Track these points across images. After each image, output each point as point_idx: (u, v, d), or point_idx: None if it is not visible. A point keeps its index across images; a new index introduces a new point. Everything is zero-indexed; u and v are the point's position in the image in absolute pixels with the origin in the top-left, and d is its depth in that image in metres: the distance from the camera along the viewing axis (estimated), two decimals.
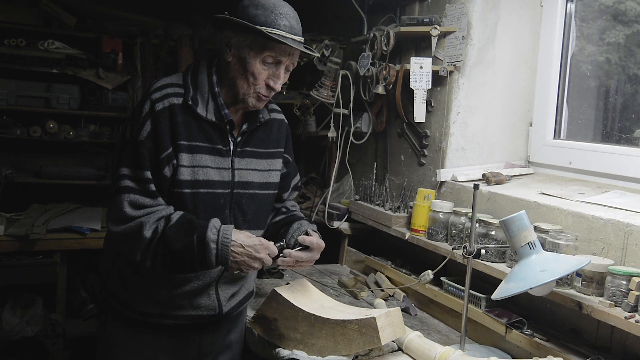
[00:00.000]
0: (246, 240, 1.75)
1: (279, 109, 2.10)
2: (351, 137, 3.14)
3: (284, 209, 2.21)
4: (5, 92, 3.88)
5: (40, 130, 3.99)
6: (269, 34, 1.72)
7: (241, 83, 1.80)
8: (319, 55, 1.93)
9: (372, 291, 2.67)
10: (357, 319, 1.81)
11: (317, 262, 3.11)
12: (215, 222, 1.77)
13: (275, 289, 2.00)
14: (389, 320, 1.83)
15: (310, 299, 2.00)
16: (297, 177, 2.26)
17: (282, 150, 2.04)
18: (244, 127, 1.92)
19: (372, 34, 2.96)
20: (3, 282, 3.48)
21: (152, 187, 1.78)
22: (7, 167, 3.87)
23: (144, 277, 1.89)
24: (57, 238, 3.51)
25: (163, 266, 1.78)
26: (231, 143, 1.88)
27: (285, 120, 2.10)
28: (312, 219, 3.31)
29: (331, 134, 3.25)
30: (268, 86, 1.80)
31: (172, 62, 4.15)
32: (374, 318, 1.79)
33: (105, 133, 4.15)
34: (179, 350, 2.03)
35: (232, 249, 1.73)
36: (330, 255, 3.29)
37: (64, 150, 4.28)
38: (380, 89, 2.87)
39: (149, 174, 1.77)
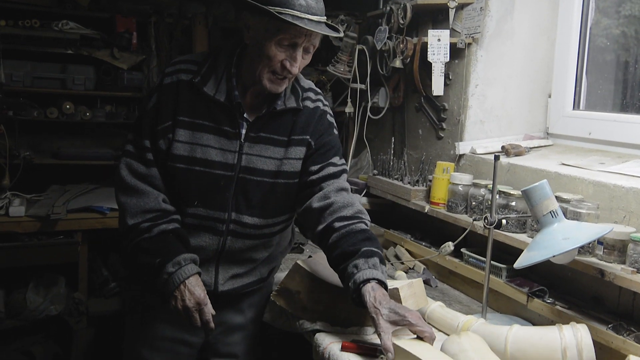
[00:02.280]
0: (192, 293, 1.75)
1: (317, 96, 1.98)
2: (368, 112, 3.14)
3: (337, 221, 1.87)
4: (21, 73, 3.90)
5: (56, 112, 4.01)
6: (279, 16, 1.65)
7: (257, 65, 1.76)
8: (341, 35, 1.85)
9: (392, 264, 2.68)
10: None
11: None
12: (184, 257, 1.78)
13: (298, 261, 2.02)
14: (411, 291, 1.85)
15: (332, 271, 2.01)
16: (337, 159, 1.97)
17: (308, 137, 1.91)
18: (264, 111, 1.87)
19: (388, 8, 2.95)
20: (26, 263, 3.53)
21: (149, 155, 1.83)
22: (25, 149, 3.90)
23: None
24: (77, 218, 3.55)
25: (130, 258, 1.86)
26: (243, 126, 1.85)
27: (322, 107, 1.97)
28: None
29: (348, 109, 3.25)
30: (284, 67, 1.73)
31: (186, 40, 4.15)
32: (397, 289, 1.81)
33: (122, 113, 4.17)
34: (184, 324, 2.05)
35: (178, 289, 1.75)
36: None
37: (81, 131, 4.31)
38: (397, 63, 2.86)
39: (147, 143, 1.83)
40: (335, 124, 2.03)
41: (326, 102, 2.02)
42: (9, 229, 3.44)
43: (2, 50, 3.84)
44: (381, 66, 3.05)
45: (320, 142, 1.94)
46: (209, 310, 1.77)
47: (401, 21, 2.84)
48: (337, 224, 1.84)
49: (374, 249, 1.77)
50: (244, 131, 1.85)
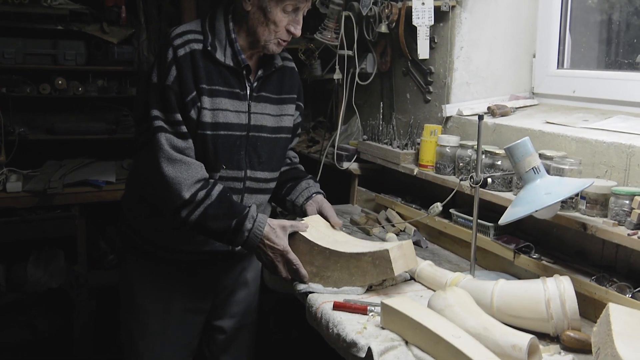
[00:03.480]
0: (274, 240, 1.89)
1: (290, 57, 2.18)
2: (357, 79, 3.17)
3: (287, 160, 2.32)
4: (12, 50, 3.92)
5: (49, 88, 4.05)
6: None
7: (262, 30, 1.88)
8: None
9: (383, 227, 2.74)
10: (370, 252, 1.89)
11: (331, 202, 3.21)
12: (252, 210, 1.90)
13: None
14: (401, 252, 1.90)
15: (324, 234, 2.07)
16: (301, 124, 2.34)
17: (295, 96, 2.14)
18: (260, 72, 2.01)
19: None
20: (25, 237, 3.60)
21: (183, 128, 1.89)
22: (20, 125, 3.94)
23: (162, 215, 1.99)
24: (74, 192, 3.60)
25: (193, 229, 1.91)
26: (248, 88, 1.97)
27: (295, 68, 2.19)
28: (322, 162, 3.37)
29: (336, 76, 3.27)
30: (288, 32, 1.90)
31: (175, 12, 4.16)
32: (387, 250, 1.86)
33: (114, 87, 4.20)
34: (195, 285, 2.13)
35: (260, 242, 1.87)
36: (341, 196, 3.37)
37: (74, 107, 4.34)
38: (383, 28, 2.88)
39: (179, 116, 1.88)
40: None
41: (291, 57, 2.22)
42: (6, 205, 3.50)
43: None
44: (367, 32, 3.07)
45: (301, 107, 2.20)
46: (294, 258, 1.91)
47: None
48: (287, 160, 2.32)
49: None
50: (249, 92, 1.98)
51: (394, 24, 2.84)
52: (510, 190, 2.19)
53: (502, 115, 2.52)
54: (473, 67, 2.71)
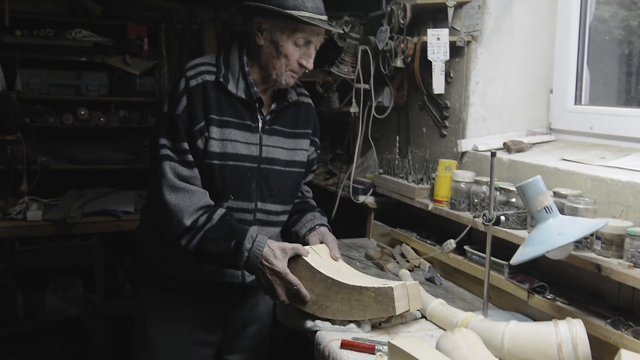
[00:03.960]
0: (272, 262, 1.86)
1: (307, 93, 2.21)
2: (373, 112, 3.17)
3: (299, 194, 2.31)
4: (37, 82, 4.02)
5: (72, 118, 4.12)
6: (300, 18, 1.83)
7: (274, 64, 1.91)
8: (341, 31, 2.03)
9: (397, 262, 2.71)
10: (374, 287, 1.86)
11: (345, 236, 3.20)
12: (252, 231, 1.89)
13: None
14: (404, 292, 1.87)
15: (327, 262, 2.04)
16: (317, 160, 2.36)
17: (310, 132, 2.15)
18: (273, 106, 2.03)
19: (389, 8, 2.97)
20: (44, 265, 3.64)
21: (189, 157, 1.91)
22: (43, 155, 4.01)
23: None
24: (93, 221, 3.64)
25: (195, 255, 1.91)
26: (260, 120, 1.99)
27: (312, 104, 2.21)
28: (339, 195, 3.36)
29: (353, 109, 3.28)
30: (300, 65, 1.92)
31: (196, 45, 4.23)
32: (391, 288, 1.84)
33: (135, 118, 4.26)
34: (205, 317, 2.12)
35: (260, 263, 1.86)
36: (357, 229, 3.35)
37: (96, 137, 4.41)
38: (398, 62, 2.89)
39: (185, 145, 1.90)
40: None
41: (308, 93, 2.24)
42: (27, 233, 3.55)
43: (18, 60, 3.94)
44: (384, 66, 3.08)
45: (317, 143, 2.21)
46: (294, 279, 1.88)
47: (401, 21, 2.86)
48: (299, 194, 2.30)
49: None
50: (261, 125, 1.99)
51: (409, 59, 2.85)
52: (525, 228, 2.16)
53: (518, 151, 2.50)
54: (489, 102, 2.70)
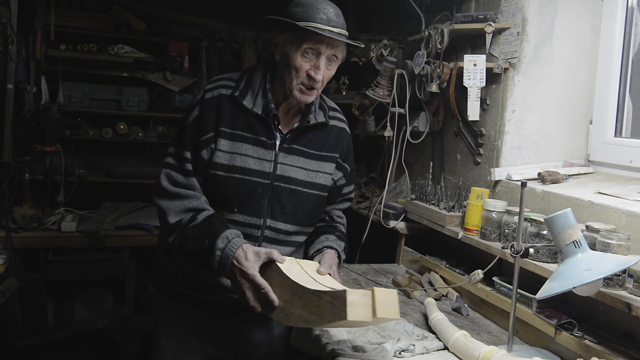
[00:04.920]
0: (242, 263, 1.77)
1: (344, 118, 2.16)
2: (407, 136, 3.14)
3: (327, 218, 2.24)
4: (79, 95, 4.10)
5: (111, 132, 4.19)
6: (305, 27, 1.81)
7: (286, 76, 1.89)
8: (361, 45, 1.97)
9: (425, 290, 2.66)
10: (330, 291, 1.72)
11: (374, 260, 3.16)
12: (230, 232, 1.83)
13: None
14: (364, 300, 1.69)
15: (306, 273, 1.91)
16: (351, 188, 2.27)
17: (337, 156, 2.09)
18: (295, 126, 2.01)
19: (427, 32, 2.95)
20: (75, 277, 3.68)
21: (188, 166, 1.92)
22: (81, 167, 4.08)
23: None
24: (125, 235, 3.67)
25: (178, 254, 1.90)
26: (278, 138, 1.97)
27: (347, 130, 2.16)
28: (370, 219, 3.33)
29: (387, 133, 3.25)
30: (309, 77, 1.87)
31: (236, 64, 4.26)
32: (344, 291, 1.67)
33: (173, 134, 4.30)
34: (215, 330, 2.09)
35: (232, 264, 1.78)
36: (387, 254, 3.31)
37: (134, 151, 4.47)
38: (434, 88, 2.86)
39: (187, 154, 1.92)
40: None
41: (348, 126, 2.18)
42: (60, 244, 3.60)
43: (62, 73, 4.04)
44: (419, 91, 3.05)
45: (346, 168, 2.14)
46: (262, 282, 1.77)
47: (439, 46, 2.83)
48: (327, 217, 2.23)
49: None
50: (278, 142, 1.97)
51: (445, 84, 2.81)
52: (556, 262, 2.09)
53: (553, 182, 2.43)
54: (525, 130, 2.64)
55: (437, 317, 2.18)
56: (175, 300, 2.09)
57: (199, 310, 2.08)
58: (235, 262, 1.78)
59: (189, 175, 1.92)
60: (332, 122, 2.08)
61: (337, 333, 2.08)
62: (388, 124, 3.24)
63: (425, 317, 2.34)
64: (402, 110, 3.15)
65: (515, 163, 2.65)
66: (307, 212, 2.05)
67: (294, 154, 1.99)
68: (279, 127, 1.98)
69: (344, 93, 4.05)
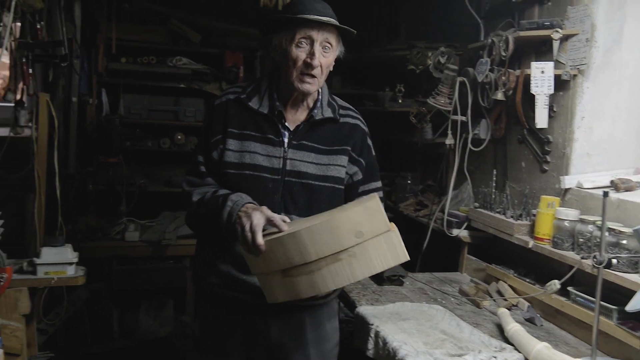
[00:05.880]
0: (251, 211, 1.78)
1: (358, 116, 2.18)
2: (469, 144, 3.12)
3: None
4: (138, 106, 4.19)
5: (169, 142, 4.27)
6: (292, 17, 1.91)
7: (286, 71, 1.96)
8: (352, 31, 2.00)
9: (494, 300, 2.64)
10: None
11: (435, 269, 3.15)
12: (246, 196, 1.89)
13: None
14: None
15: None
16: (373, 186, 2.16)
17: (349, 148, 2.10)
18: (302, 122, 2.06)
19: (489, 40, 2.93)
20: (139, 285, 3.75)
21: (202, 168, 2.01)
22: (141, 177, 4.15)
23: (210, 250, 2.04)
24: (186, 244, 3.73)
25: (199, 226, 2.02)
26: (285, 135, 2.03)
27: (362, 126, 2.15)
28: (430, 227, 3.32)
29: (449, 141, 3.24)
30: (307, 64, 1.92)
31: None
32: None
33: None
34: (248, 334, 2.09)
35: (240, 209, 1.81)
36: (449, 263, 3.30)
37: (189, 161, 4.52)
38: (499, 95, 2.84)
39: (201, 158, 2.02)
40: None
41: (365, 124, 2.18)
42: (124, 253, 3.68)
43: (122, 85, 4.13)
44: (482, 98, 3.03)
45: (360, 162, 2.12)
46: (257, 219, 1.74)
47: (503, 53, 2.81)
48: None
49: None
50: (286, 139, 2.02)
51: (510, 92, 2.79)
52: (637, 272, 2.06)
53: (627, 190, 2.39)
54: (595, 138, 2.61)
55: (514, 328, 2.17)
56: (212, 305, 2.11)
57: (232, 315, 2.09)
58: (244, 209, 1.81)
59: (203, 176, 2.01)
60: (344, 119, 2.12)
61: (415, 344, 2.09)
62: (449, 132, 3.23)
63: (499, 328, 2.32)
64: (463, 118, 3.14)
65: (584, 171, 2.62)
66: (322, 206, 2.02)
67: (303, 149, 2.03)
68: (286, 124, 2.03)
69: (399, 101, 4.05)
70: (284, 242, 1.67)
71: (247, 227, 1.74)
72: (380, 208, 1.67)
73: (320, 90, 2.05)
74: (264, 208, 1.80)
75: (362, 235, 1.63)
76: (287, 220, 1.79)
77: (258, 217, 1.75)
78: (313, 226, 1.65)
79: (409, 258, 1.69)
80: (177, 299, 3.91)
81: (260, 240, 1.72)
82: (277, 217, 1.79)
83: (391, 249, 1.66)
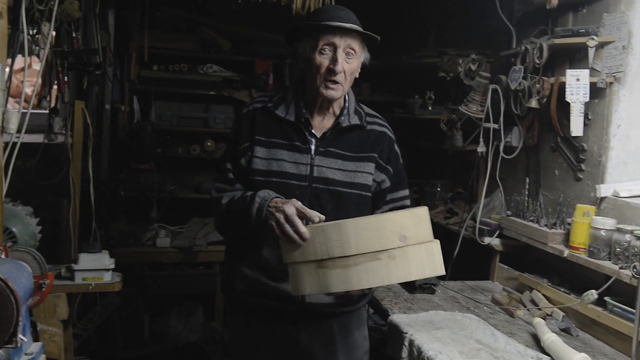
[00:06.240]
0: (281, 205, 1.79)
1: (385, 124, 2.18)
2: (501, 152, 3.10)
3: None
4: (169, 113, 4.24)
5: (199, 149, 4.30)
6: (314, 24, 1.93)
7: (311, 78, 1.98)
8: (378, 38, 1.99)
9: (528, 310, 2.62)
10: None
11: (465, 277, 3.13)
12: (271, 191, 1.90)
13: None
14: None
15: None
16: (401, 194, 2.16)
17: (376, 155, 2.10)
18: (328, 129, 2.07)
19: (523, 47, 2.91)
20: (170, 291, 3.79)
21: (230, 175, 2.04)
22: (171, 184, 4.19)
23: (238, 257, 2.05)
24: (216, 250, 3.76)
25: (228, 228, 2.05)
26: (312, 142, 2.04)
27: (389, 133, 2.16)
28: (461, 235, 3.31)
29: (480, 148, 3.23)
30: (330, 70, 1.93)
31: None
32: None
33: None
34: (277, 341, 2.09)
35: (269, 204, 1.82)
36: (479, 271, 3.27)
37: (217, 168, 4.56)
38: (533, 103, 2.82)
39: (229, 165, 2.05)
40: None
41: (392, 131, 2.18)
42: (155, 259, 3.72)
43: (153, 92, 4.18)
44: (515, 106, 3.01)
45: (387, 169, 2.11)
46: (292, 214, 1.74)
47: (537, 61, 2.80)
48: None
49: None
50: (313, 146, 2.03)
51: (544, 99, 2.77)
52: None
53: None
54: (631, 146, 2.58)
55: (551, 338, 2.15)
56: (241, 312, 2.12)
57: (261, 322, 2.09)
58: (272, 203, 1.82)
59: (232, 183, 2.03)
60: (370, 126, 2.13)
61: (450, 353, 2.08)
62: (481, 139, 3.22)
63: (534, 337, 2.30)
64: (495, 126, 3.12)
65: (620, 179, 2.59)
66: (349, 212, 2.01)
67: (330, 156, 2.04)
68: (313, 131, 2.04)
69: (429, 108, 4.04)
70: (327, 232, 1.68)
71: (282, 219, 1.75)
72: (428, 217, 1.69)
73: (346, 97, 2.07)
74: (294, 200, 1.81)
75: (405, 239, 1.64)
76: (318, 214, 1.79)
77: (290, 208, 1.77)
78: (359, 220, 1.67)
79: (444, 272, 1.70)
80: (207, 304, 3.94)
81: (302, 227, 1.73)
82: (308, 209, 1.80)
83: (430, 260, 1.67)
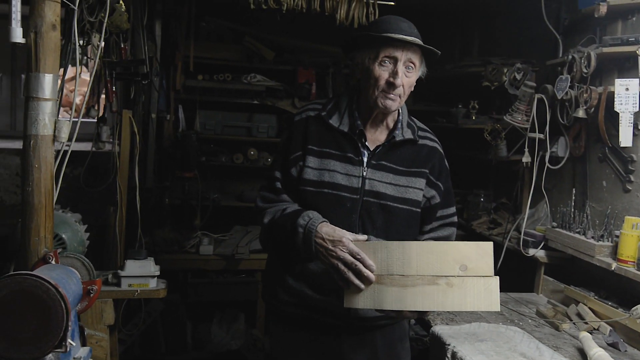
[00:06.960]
0: (329, 232, 1.79)
1: (435, 139, 2.15)
2: (547, 162, 3.06)
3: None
4: (212, 122, 4.30)
5: (242, 157, 4.35)
6: (377, 35, 1.89)
7: (368, 89, 1.93)
8: (438, 53, 1.96)
9: (574, 323, 2.57)
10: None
11: (509, 289, 3.08)
12: (312, 212, 1.88)
13: None
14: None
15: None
16: (450, 211, 2.14)
17: (427, 171, 2.07)
18: (381, 142, 2.03)
19: (570, 56, 2.87)
20: (212, 298, 3.83)
21: (278, 184, 2.00)
22: (214, 192, 4.24)
23: (282, 267, 2.03)
24: (258, 258, 3.78)
25: (274, 249, 2.04)
26: (365, 154, 2.00)
27: (439, 149, 2.13)
28: (505, 246, 3.26)
29: (525, 159, 3.18)
30: (389, 83, 1.90)
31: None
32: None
33: None
34: (319, 353, 2.07)
35: (315, 236, 1.80)
36: (523, 283, 3.22)
37: (263, 176, 4.59)
38: (580, 113, 2.77)
39: (277, 174, 2.01)
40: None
41: (441, 146, 2.15)
42: (199, 266, 3.77)
43: (198, 102, 4.25)
44: (562, 115, 2.97)
45: (437, 185, 2.08)
46: (354, 248, 1.75)
47: (584, 70, 2.75)
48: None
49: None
50: (366, 159, 2.00)
51: (592, 109, 2.73)
52: None
53: None
54: None
55: (598, 353, 2.11)
56: (283, 322, 2.11)
57: (304, 333, 2.08)
58: (321, 233, 1.80)
59: (279, 193, 2.00)
60: (422, 141, 2.09)
61: None
62: (526, 150, 3.17)
63: (580, 352, 2.26)
64: (541, 136, 3.08)
65: None
66: (399, 228, 2.02)
67: (382, 170, 2.01)
68: (366, 144, 2.01)
69: (473, 117, 4.00)
70: (390, 249, 1.71)
71: (348, 258, 1.74)
72: (491, 253, 1.69)
73: (400, 110, 2.04)
74: (343, 239, 1.77)
75: (465, 269, 1.66)
76: (365, 237, 1.80)
77: (346, 255, 1.74)
78: (424, 243, 1.72)
79: (499, 309, 1.69)
80: (248, 312, 3.96)
81: (372, 266, 1.72)
82: (357, 236, 1.79)
83: (487, 294, 1.67)
